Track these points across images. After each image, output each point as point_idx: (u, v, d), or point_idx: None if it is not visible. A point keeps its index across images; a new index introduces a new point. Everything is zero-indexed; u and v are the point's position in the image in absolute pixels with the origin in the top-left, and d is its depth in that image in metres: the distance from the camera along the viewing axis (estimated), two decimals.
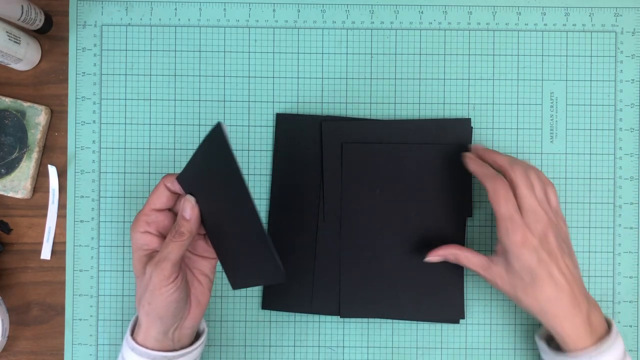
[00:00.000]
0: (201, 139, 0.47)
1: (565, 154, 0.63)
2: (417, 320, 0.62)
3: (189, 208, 0.49)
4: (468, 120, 0.62)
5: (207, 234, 0.52)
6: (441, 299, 0.61)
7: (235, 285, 0.51)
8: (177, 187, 0.50)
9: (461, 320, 0.62)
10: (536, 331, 0.59)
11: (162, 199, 0.50)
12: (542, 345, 0.56)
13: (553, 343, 0.56)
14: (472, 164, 0.57)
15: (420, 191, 0.61)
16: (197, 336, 0.55)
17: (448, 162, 0.61)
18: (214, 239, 0.51)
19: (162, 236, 0.51)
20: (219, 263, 0.53)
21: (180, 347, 0.52)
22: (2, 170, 0.62)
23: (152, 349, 0.50)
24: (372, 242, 0.61)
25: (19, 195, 0.62)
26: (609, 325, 0.54)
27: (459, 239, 0.61)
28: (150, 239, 0.50)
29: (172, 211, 0.52)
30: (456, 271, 0.61)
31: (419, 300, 0.61)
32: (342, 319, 0.62)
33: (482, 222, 0.63)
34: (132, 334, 0.52)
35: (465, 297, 0.62)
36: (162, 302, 0.48)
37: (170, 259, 0.48)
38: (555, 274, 0.52)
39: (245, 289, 0.62)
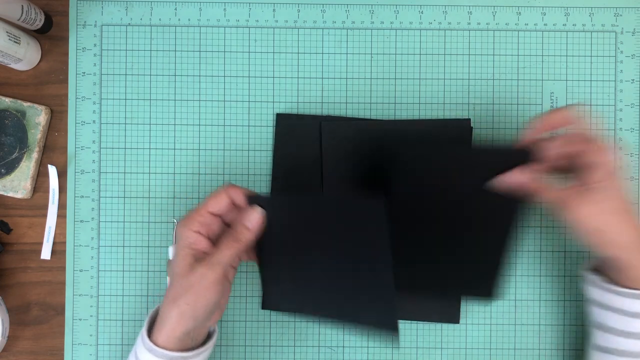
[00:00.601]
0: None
1: None
2: (415, 320, 0.62)
3: (255, 220, 0.52)
4: (468, 121, 0.62)
5: (261, 250, 0.53)
6: (439, 300, 0.61)
7: (265, 306, 0.55)
8: (240, 201, 0.52)
9: (461, 320, 0.62)
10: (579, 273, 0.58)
11: (220, 205, 0.52)
12: (592, 278, 0.55)
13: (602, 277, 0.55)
14: (535, 187, 0.53)
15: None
16: (208, 335, 0.55)
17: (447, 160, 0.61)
18: (269, 258, 0.53)
19: (209, 240, 0.52)
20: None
21: (196, 346, 0.52)
22: (2, 170, 0.62)
23: (172, 350, 0.50)
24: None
25: (19, 195, 0.62)
26: None
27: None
28: (199, 240, 0.51)
29: (222, 218, 0.53)
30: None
31: (417, 301, 0.61)
32: None
33: None
34: (148, 334, 0.52)
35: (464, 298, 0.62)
36: (204, 303, 0.49)
37: (223, 263, 0.50)
38: (625, 204, 0.52)
39: (245, 289, 0.62)
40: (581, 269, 0.58)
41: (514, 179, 0.53)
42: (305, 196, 0.53)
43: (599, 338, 0.55)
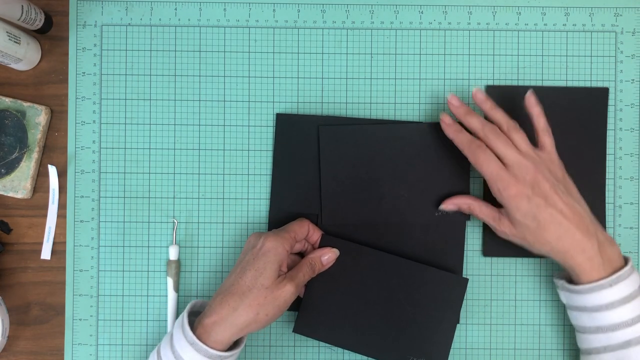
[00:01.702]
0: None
1: None
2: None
3: (332, 260, 0.58)
4: None
5: (315, 282, 0.59)
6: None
7: (297, 330, 0.59)
8: (314, 237, 0.59)
9: (461, 320, 0.62)
10: (553, 278, 0.60)
11: (302, 235, 0.58)
12: (559, 283, 0.57)
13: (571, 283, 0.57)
14: (449, 130, 0.58)
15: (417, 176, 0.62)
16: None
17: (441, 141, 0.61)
18: (316, 289, 0.59)
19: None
20: None
21: (232, 347, 0.55)
22: (2, 170, 0.62)
23: (219, 350, 0.52)
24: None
25: (19, 195, 0.62)
26: (626, 262, 0.55)
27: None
28: (285, 259, 0.55)
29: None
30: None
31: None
32: None
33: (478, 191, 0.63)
34: (193, 331, 0.53)
35: (465, 298, 0.62)
36: (277, 316, 0.54)
37: (302, 283, 0.56)
38: (555, 215, 0.54)
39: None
40: (554, 277, 0.59)
41: (456, 202, 0.59)
42: (384, 254, 0.59)
43: (582, 341, 0.57)
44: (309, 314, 0.59)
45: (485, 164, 0.55)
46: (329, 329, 0.59)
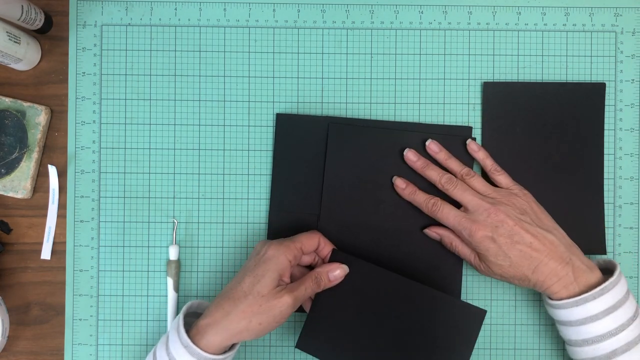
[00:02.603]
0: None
1: None
2: None
3: (339, 276, 0.56)
4: (469, 129, 0.62)
5: (317, 296, 0.57)
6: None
7: (300, 346, 0.57)
8: (325, 251, 0.57)
9: None
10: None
11: (311, 247, 0.56)
12: (543, 297, 0.58)
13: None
14: (404, 194, 0.60)
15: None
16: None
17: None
18: (322, 306, 0.57)
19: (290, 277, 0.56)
20: None
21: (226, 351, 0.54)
22: (2, 170, 0.62)
23: (212, 353, 0.52)
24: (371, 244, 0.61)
25: (19, 195, 0.62)
26: (612, 272, 0.56)
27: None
28: (288, 269, 0.54)
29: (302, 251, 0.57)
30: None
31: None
32: None
33: None
34: (188, 335, 0.52)
35: (465, 298, 0.62)
36: (272, 327, 0.53)
37: (302, 299, 0.54)
38: (525, 250, 0.55)
39: None
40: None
41: (432, 235, 0.60)
42: (397, 276, 0.57)
43: (572, 353, 0.57)
44: (313, 330, 0.57)
45: (444, 218, 0.57)
46: (333, 349, 0.57)
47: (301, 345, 0.57)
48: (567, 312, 0.54)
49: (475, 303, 0.62)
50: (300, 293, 0.53)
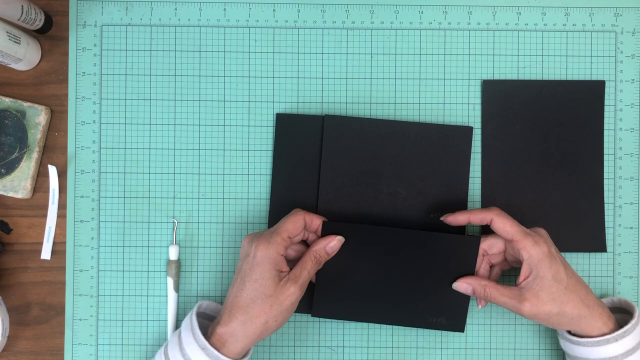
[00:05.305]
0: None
1: None
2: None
3: (336, 247, 0.57)
4: (470, 129, 0.62)
5: (326, 271, 0.58)
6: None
7: (315, 313, 0.60)
8: (314, 226, 0.57)
9: None
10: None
11: (298, 230, 0.56)
12: (561, 332, 0.58)
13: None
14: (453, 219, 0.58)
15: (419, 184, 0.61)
16: None
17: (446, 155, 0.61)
18: (327, 272, 0.59)
19: (288, 260, 0.56)
20: None
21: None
22: (2, 170, 0.62)
23: (233, 358, 0.53)
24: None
25: (19, 195, 0.62)
26: (632, 314, 0.56)
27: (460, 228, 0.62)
28: (283, 261, 0.54)
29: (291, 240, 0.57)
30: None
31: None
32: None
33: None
34: (206, 338, 0.53)
35: None
36: (286, 319, 0.54)
37: (307, 280, 0.55)
38: (572, 274, 0.55)
39: None
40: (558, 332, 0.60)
41: (462, 288, 0.58)
42: (386, 229, 0.58)
43: None
44: (323, 297, 0.60)
45: (508, 223, 0.55)
46: (347, 308, 0.60)
47: (316, 313, 0.60)
48: (587, 351, 0.55)
49: (475, 302, 0.62)
50: (304, 278, 0.54)
